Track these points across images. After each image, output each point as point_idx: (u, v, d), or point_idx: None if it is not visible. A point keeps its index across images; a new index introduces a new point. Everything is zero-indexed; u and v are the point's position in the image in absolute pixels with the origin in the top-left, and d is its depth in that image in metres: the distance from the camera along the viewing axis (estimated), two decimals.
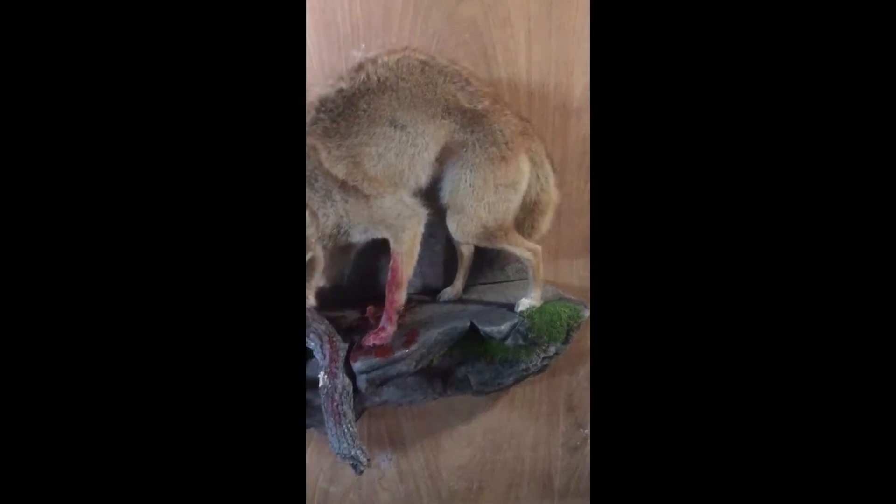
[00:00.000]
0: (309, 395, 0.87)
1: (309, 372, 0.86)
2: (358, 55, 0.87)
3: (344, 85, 0.78)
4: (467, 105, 0.81)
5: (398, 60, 0.79)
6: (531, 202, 0.90)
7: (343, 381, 0.80)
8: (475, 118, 0.82)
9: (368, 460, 0.76)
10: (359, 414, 0.89)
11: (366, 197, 0.79)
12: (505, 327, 0.88)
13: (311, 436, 1.07)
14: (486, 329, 0.87)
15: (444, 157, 0.83)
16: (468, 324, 0.88)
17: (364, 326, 0.91)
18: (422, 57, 0.80)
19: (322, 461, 1.10)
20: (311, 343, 0.83)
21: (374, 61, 0.79)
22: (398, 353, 0.83)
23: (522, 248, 0.88)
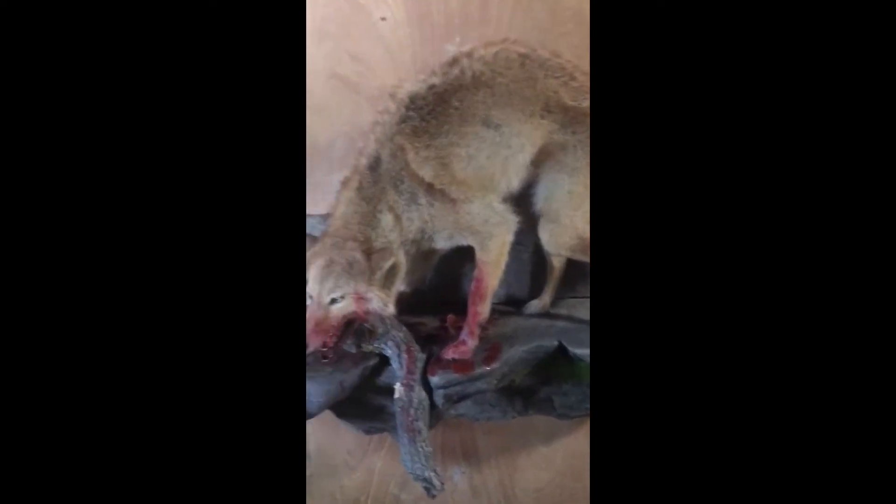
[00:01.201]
0: (384, 402, 0.84)
1: (385, 379, 0.84)
2: (452, 49, 0.83)
3: (436, 81, 0.74)
4: (570, 102, 0.74)
5: (496, 54, 0.73)
6: None
7: (419, 394, 0.76)
8: (578, 117, 0.74)
9: (442, 484, 0.72)
10: (433, 424, 0.86)
11: (453, 201, 0.75)
12: None
13: (385, 440, 1.06)
14: (577, 351, 0.80)
15: (540, 161, 0.77)
16: (556, 343, 0.81)
17: (443, 336, 0.87)
18: (521, 49, 0.74)
19: (395, 467, 1.08)
20: (389, 351, 0.80)
21: (469, 55, 0.74)
22: (478, 371, 0.78)
23: None
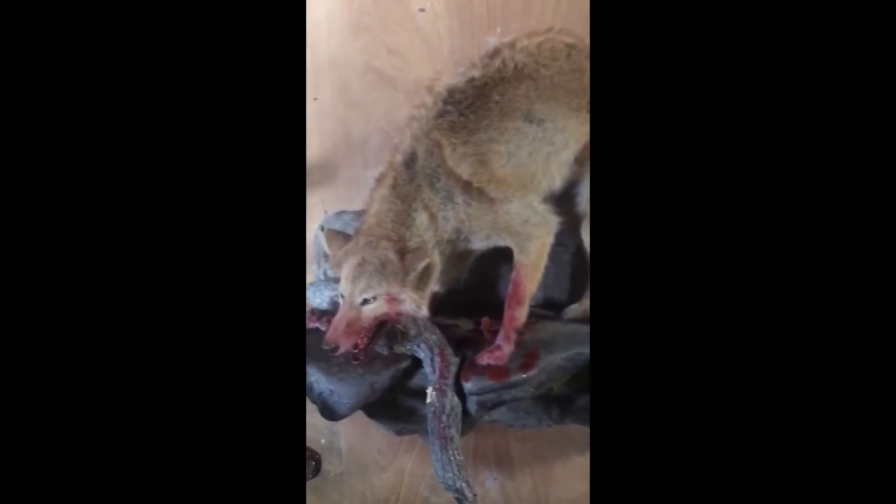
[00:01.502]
0: (415, 404, 0.82)
1: (417, 381, 0.81)
2: (493, 41, 0.79)
3: (476, 73, 0.71)
4: None
5: (540, 44, 0.69)
6: None
7: (452, 400, 0.74)
8: None
9: (474, 495, 0.69)
10: (465, 431, 0.83)
11: (491, 200, 0.71)
12: None
13: (416, 441, 1.04)
14: None
15: (585, 158, 0.73)
16: None
17: (478, 339, 0.84)
18: (568, 40, 0.70)
19: (425, 469, 1.06)
20: (422, 354, 0.78)
21: (511, 46, 0.70)
22: (514, 378, 0.74)
23: None
